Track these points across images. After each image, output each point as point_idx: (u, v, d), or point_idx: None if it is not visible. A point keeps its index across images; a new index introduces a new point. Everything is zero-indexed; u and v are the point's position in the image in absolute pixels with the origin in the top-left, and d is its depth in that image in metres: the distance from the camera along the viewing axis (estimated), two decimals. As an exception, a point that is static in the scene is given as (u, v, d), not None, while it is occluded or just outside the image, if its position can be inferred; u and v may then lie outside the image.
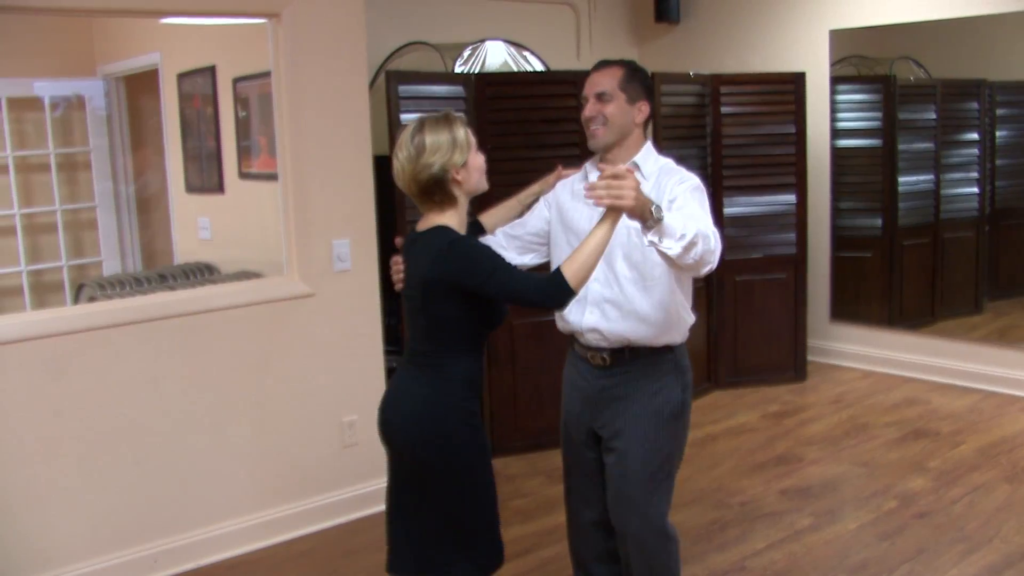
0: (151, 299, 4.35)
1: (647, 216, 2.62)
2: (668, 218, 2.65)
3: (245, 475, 4.41)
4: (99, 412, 4.00)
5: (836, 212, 7.07)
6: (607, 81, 3.06)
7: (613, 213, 2.66)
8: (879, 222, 7.07)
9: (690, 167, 3.21)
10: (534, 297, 2.70)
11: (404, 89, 4.84)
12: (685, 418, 3.17)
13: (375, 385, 4.76)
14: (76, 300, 5.88)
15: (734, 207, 6.46)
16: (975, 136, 6.96)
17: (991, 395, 6.26)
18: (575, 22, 7.13)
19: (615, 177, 2.58)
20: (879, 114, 7.02)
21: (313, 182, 4.47)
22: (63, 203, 6.80)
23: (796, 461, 5.27)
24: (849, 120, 7.06)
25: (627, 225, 2.86)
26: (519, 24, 6.63)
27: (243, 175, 5.84)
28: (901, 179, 6.97)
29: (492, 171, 5.21)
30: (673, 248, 2.65)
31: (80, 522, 3.98)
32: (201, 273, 5.93)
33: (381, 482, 4.76)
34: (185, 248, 6.46)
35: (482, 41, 6.12)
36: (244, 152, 5.79)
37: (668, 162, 3.14)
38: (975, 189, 6.93)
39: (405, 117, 4.84)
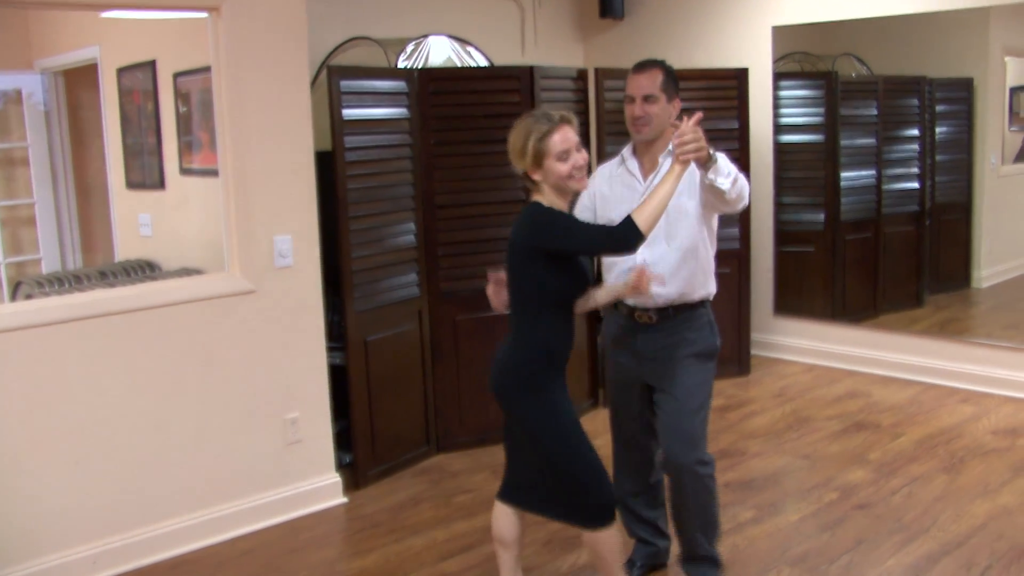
0: (90, 296, 4.29)
1: (706, 159, 3.22)
2: (722, 159, 3.30)
3: (186, 473, 4.36)
4: (36, 411, 3.94)
5: (779, 207, 7.12)
6: (651, 84, 3.52)
7: (680, 167, 3.16)
8: (821, 217, 7.13)
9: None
10: (608, 242, 3.17)
11: (346, 84, 4.81)
12: (716, 359, 3.72)
13: (318, 382, 4.74)
14: (13, 298, 5.79)
15: (678, 202, 6.49)
16: (915, 132, 7.05)
17: (931, 387, 6.35)
18: (519, 17, 7.13)
19: (689, 134, 3.15)
20: (821, 110, 7.08)
21: (254, 178, 4.43)
22: (0, 199, 6.69)
23: (739, 454, 5.32)
24: (792, 116, 7.11)
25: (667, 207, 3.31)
26: (463, 19, 6.61)
27: (184, 171, 5.78)
28: (843, 174, 7.04)
29: (435, 167, 5.26)
30: (725, 183, 3.29)
31: (16, 524, 3.92)
32: (142, 270, 5.86)
33: (324, 479, 4.78)
34: (126, 245, 6.38)
35: (425, 36, 6.10)
36: (185, 148, 5.74)
37: None
38: (916, 184, 7.02)
39: (347, 112, 4.81)
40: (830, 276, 7.18)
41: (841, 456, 5.22)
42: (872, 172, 7.06)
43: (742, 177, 3.41)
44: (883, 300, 7.15)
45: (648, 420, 3.78)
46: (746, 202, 3.49)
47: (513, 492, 3.49)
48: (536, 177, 3.20)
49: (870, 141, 7.05)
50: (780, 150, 7.07)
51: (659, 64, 3.58)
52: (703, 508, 3.68)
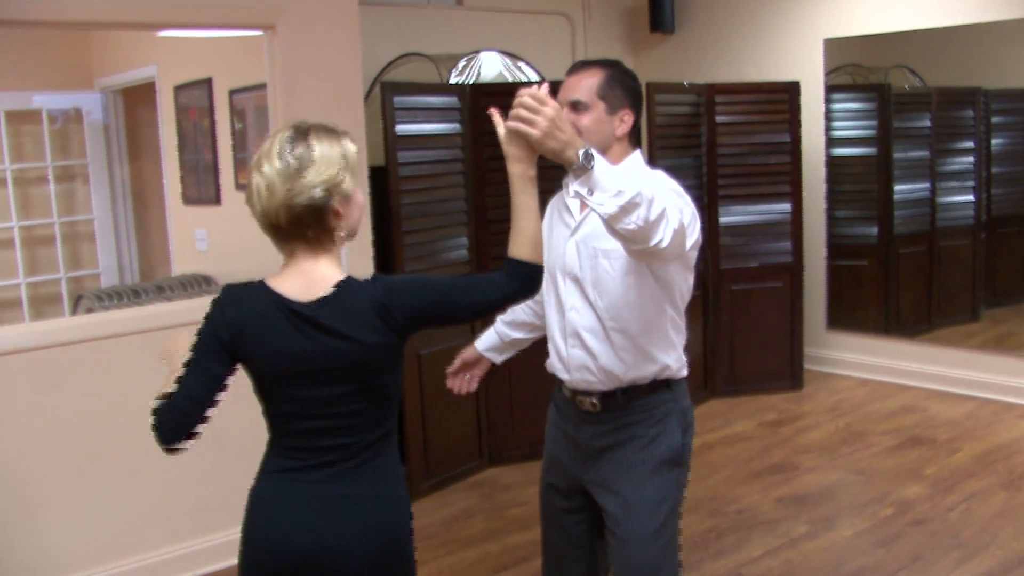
0: (148, 310, 4.37)
1: (571, 159, 2.18)
2: (602, 167, 2.19)
3: (243, 485, 4.39)
4: (96, 423, 4.01)
5: (832, 220, 7.08)
6: (584, 87, 2.62)
7: (520, 162, 2.21)
8: (875, 230, 7.08)
9: (685, 176, 3.15)
10: (505, 294, 2.21)
11: (399, 100, 4.86)
12: (687, 464, 2.81)
13: (372, 395, 4.76)
14: (74, 312, 5.89)
15: (729, 216, 6.47)
16: (971, 144, 6.97)
17: (988, 402, 6.26)
18: (570, 32, 7.16)
19: (533, 102, 2.16)
20: (874, 122, 7.04)
21: (309, 193, 4.47)
22: (61, 215, 6.82)
23: (792, 469, 5.28)
24: (844, 128, 7.07)
25: (593, 247, 2.64)
26: (514, 35, 6.65)
27: (240, 186, 5.85)
28: (897, 187, 6.98)
29: (487, 181, 5.28)
30: (606, 205, 2.18)
31: (78, 532, 3.98)
32: (198, 284, 5.94)
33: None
34: (182, 260, 6.47)
35: (477, 52, 6.14)
36: (241, 164, 5.81)
37: (658, 174, 2.65)
38: (971, 197, 6.94)
39: (400, 128, 4.85)
40: (884, 290, 7.12)
41: (896, 471, 5.17)
42: (926, 185, 7.00)
43: (670, 213, 2.26)
44: (938, 314, 7.07)
45: (590, 546, 2.97)
46: (667, 245, 2.27)
47: None
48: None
49: (924, 153, 6.99)
50: (833, 163, 7.03)
51: (604, 63, 2.67)
52: None
